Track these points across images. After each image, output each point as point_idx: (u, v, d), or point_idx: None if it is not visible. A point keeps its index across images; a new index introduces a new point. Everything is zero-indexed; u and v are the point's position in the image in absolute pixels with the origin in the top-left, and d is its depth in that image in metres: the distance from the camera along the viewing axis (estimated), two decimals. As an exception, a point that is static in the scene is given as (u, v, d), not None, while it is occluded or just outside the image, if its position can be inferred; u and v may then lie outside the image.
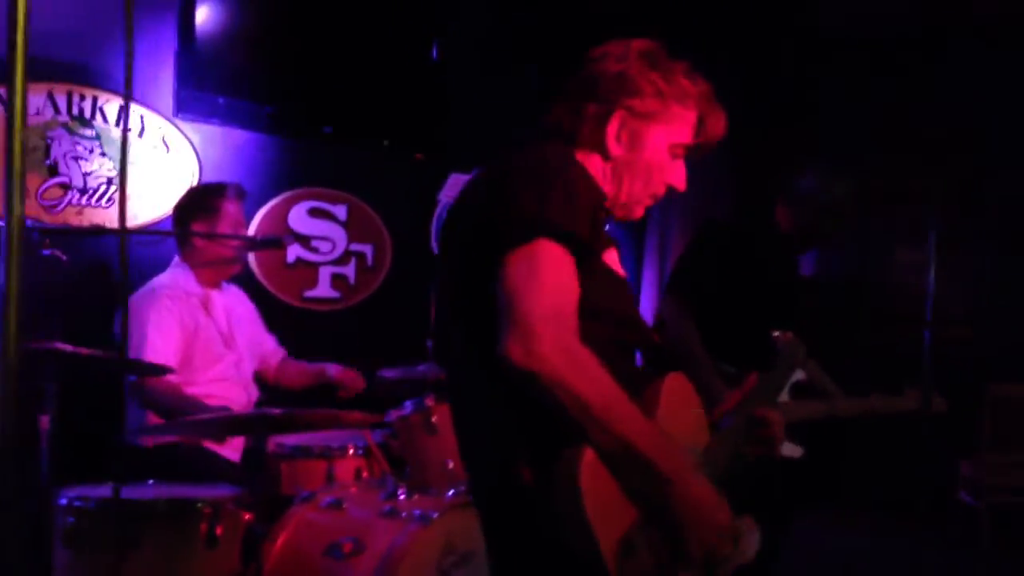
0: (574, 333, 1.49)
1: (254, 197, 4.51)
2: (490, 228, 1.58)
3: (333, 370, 3.81)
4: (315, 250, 4.72)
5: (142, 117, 4.04)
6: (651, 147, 1.81)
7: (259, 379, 3.86)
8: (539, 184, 1.60)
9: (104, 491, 2.83)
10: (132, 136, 4.02)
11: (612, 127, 1.79)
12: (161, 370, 3.12)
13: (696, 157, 1.89)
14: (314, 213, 4.70)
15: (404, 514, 2.77)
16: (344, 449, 3.37)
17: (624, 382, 1.55)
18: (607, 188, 1.81)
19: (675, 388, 1.74)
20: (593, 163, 1.81)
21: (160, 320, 3.38)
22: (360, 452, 3.37)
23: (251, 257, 4.49)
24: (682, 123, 1.83)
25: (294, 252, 4.66)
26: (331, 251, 4.75)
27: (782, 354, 2.26)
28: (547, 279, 1.51)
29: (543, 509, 1.50)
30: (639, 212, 1.87)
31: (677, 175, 1.86)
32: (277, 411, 3.14)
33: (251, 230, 4.46)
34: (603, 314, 1.65)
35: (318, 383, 3.81)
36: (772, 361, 2.20)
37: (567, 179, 1.62)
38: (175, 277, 3.55)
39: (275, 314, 4.51)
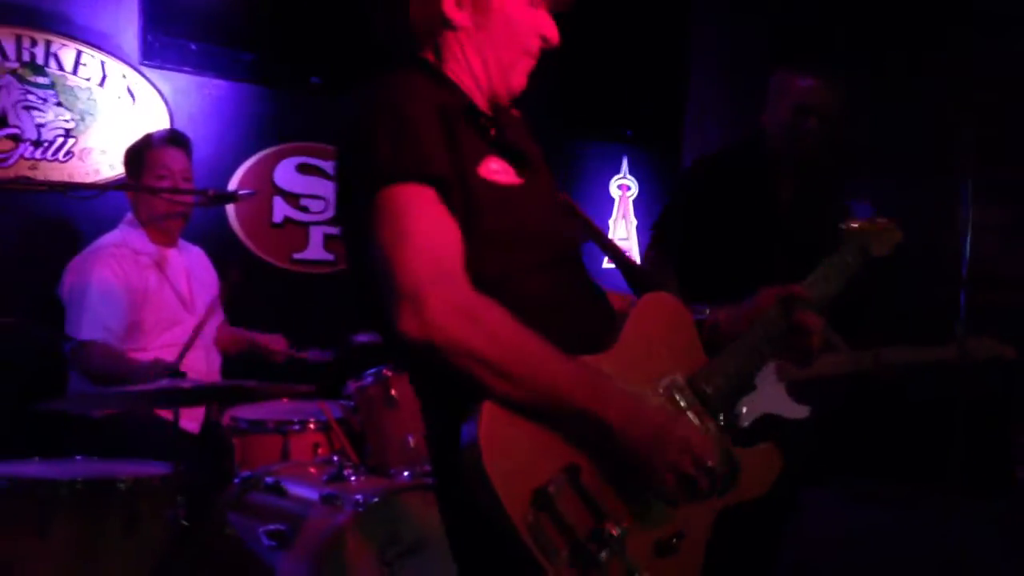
0: (463, 286, 1.38)
1: (235, 151, 4.22)
2: (346, 190, 1.50)
3: (259, 337, 3.59)
4: (305, 209, 4.39)
5: (103, 64, 3.74)
6: (498, 1, 1.59)
7: None
8: (368, 132, 1.46)
9: (15, 469, 2.56)
10: (92, 85, 3.71)
11: (446, 3, 1.57)
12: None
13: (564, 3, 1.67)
14: (303, 169, 4.37)
15: (343, 498, 2.46)
16: (304, 423, 3.07)
17: (557, 312, 1.48)
18: (475, 66, 1.60)
19: (650, 311, 1.61)
20: (450, 53, 1.61)
21: (102, 280, 3.11)
22: (320, 427, 3.06)
23: (232, 217, 4.20)
24: None
25: (281, 211, 4.35)
26: (323, 210, 4.43)
27: (847, 245, 1.94)
28: (417, 231, 1.39)
29: (458, 476, 1.37)
30: (520, 81, 1.65)
31: (545, 25, 1.64)
32: (219, 382, 2.86)
33: (232, 185, 4.16)
34: (503, 239, 1.49)
35: (247, 350, 3.57)
36: (830, 254, 1.89)
37: (397, 109, 1.46)
38: (124, 235, 3.28)
39: (262, 278, 4.23)
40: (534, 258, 1.52)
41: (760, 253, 2.86)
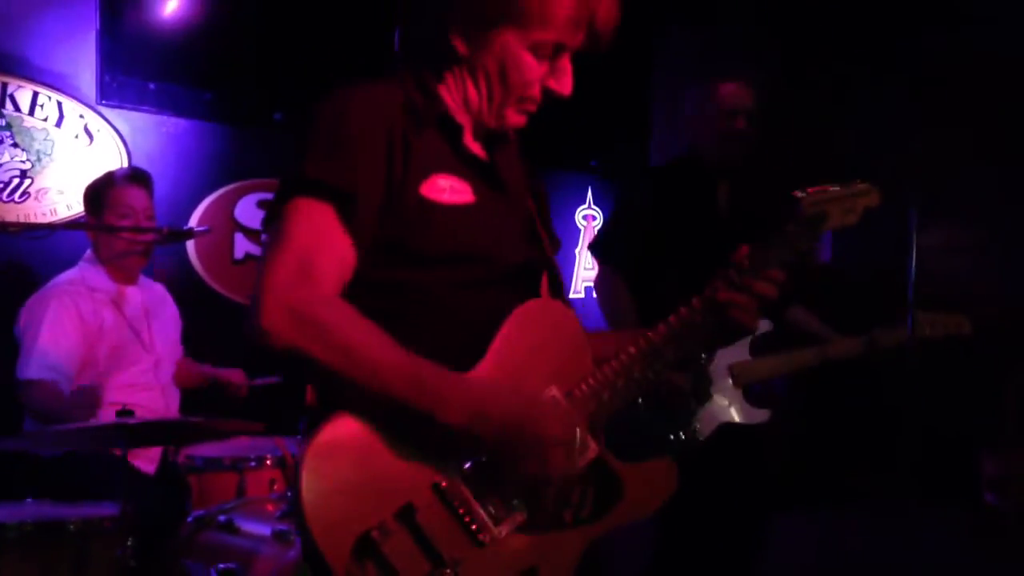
0: (312, 292, 1.36)
1: (195, 189, 4.24)
2: None
3: (220, 373, 3.56)
4: (267, 245, 4.40)
5: (60, 105, 3.76)
6: (498, 48, 1.55)
7: None
8: (302, 138, 1.48)
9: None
10: (49, 126, 3.73)
11: (452, 28, 1.56)
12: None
13: (595, 51, 1.63)
14: (264, 205, 4.38)
15: (295, 533, 2.45)
16: (260, 460, 3.06)
17: (481, 331, 1.47)
18: (469, 94, 1.60)
19: (527, 320, 1.53)
20: (449, 73, 1.60)
21: (57, 319, 3.10)
22: (277, 463, 3.05)
23: (192, 254, 4.21)
24: (540, 19, 1.54)
25: (243, 247, 4.36)
26: (286, 246, 4.43)
27: (795, 217, 1.68)
28: (294, 242, 1.40)
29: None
30: (514, 119, 1.62)
31: (557, 77, 1.59)
32: (167, 419, 2.86)
33: (192, 222, 4.17)
34: (428, 256, 1.49)
35: (206, 382, 3.54)
36: (781, 229, 1.69)
37: (335, 121, 1.47)
38: (82, 273, 3.27)
39: (222, 316, 4.22)
40: (466, 277, 1.51)
41: (707, 260, 2.92)
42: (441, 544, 1.36)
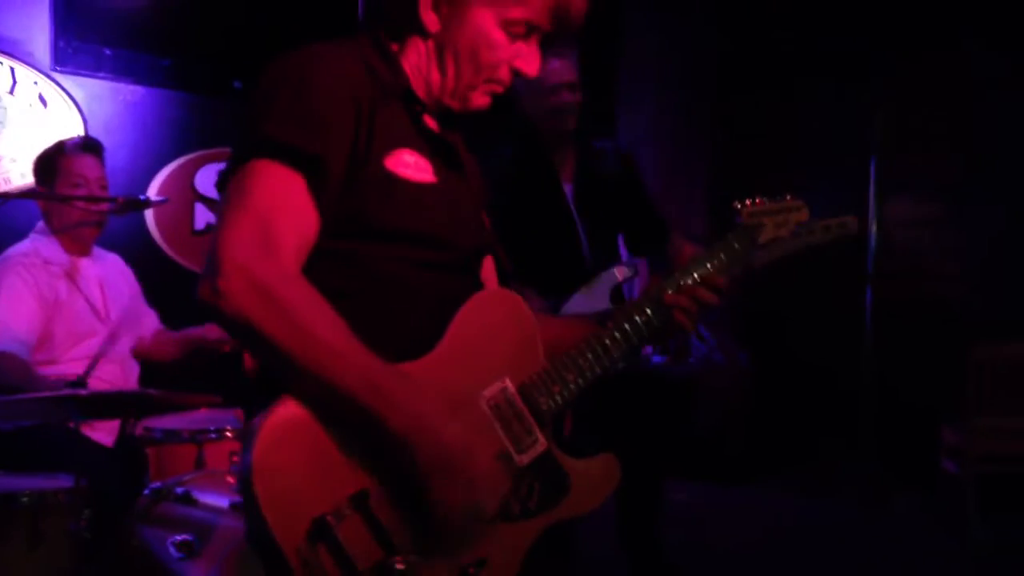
0: (275, 263, 1.32)
1: (154, 157, 4.18)
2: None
3: (210, 331, 3.43)
4: (228, 215, 4.35)
5: (13, 71, 3.68)
6: (472, 24, 1.53)
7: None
8: (264, 96, 1.42)
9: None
10: (2, 93, 3.64)
11: (423, 2, 1.53)
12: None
13: (557, 39, 1.63)
14: (226, 175, 4.33)
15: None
16: (220, 432, 3.03)
17: (432, 314, 1.45)
18: (432, 72, 1.56)
19: (481, 310, 1.51)
20: (413, 47, 1.57)
21: (13, 291, 3.04)
22: (237, 435, 3.03)
23: (152, 225, 4.15)
24: None
25: (204, 217, 4.30)
26: (248, 216, 4.38)
27: (739, 228, 1.78)
28: (257, 206, 1.34)
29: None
30: (478, 100, 1.59)
31: (525, 58, 1.58)
32: (119, 391, 2.82)
33: (151, 192, 4.11)
34: (385, 231, 1.45)
35: (196, 347, 3.45)
36: (722, 237, 1.77)
37: (303, 82, 1.41)
38: (34, 244, 3.21)
39: (182, 287, 4.15)
40: (420, 256, 1.48)
41: (567, 234, 3.09)
42: (393, 531, 1.34)
